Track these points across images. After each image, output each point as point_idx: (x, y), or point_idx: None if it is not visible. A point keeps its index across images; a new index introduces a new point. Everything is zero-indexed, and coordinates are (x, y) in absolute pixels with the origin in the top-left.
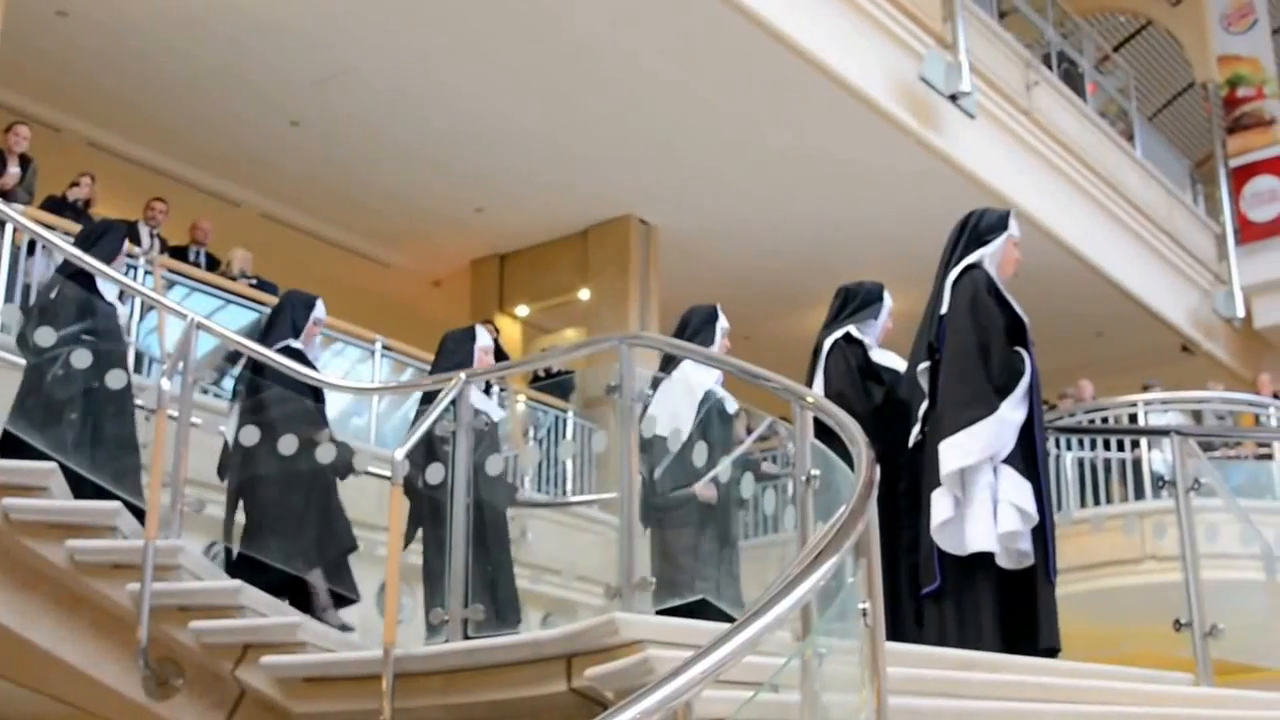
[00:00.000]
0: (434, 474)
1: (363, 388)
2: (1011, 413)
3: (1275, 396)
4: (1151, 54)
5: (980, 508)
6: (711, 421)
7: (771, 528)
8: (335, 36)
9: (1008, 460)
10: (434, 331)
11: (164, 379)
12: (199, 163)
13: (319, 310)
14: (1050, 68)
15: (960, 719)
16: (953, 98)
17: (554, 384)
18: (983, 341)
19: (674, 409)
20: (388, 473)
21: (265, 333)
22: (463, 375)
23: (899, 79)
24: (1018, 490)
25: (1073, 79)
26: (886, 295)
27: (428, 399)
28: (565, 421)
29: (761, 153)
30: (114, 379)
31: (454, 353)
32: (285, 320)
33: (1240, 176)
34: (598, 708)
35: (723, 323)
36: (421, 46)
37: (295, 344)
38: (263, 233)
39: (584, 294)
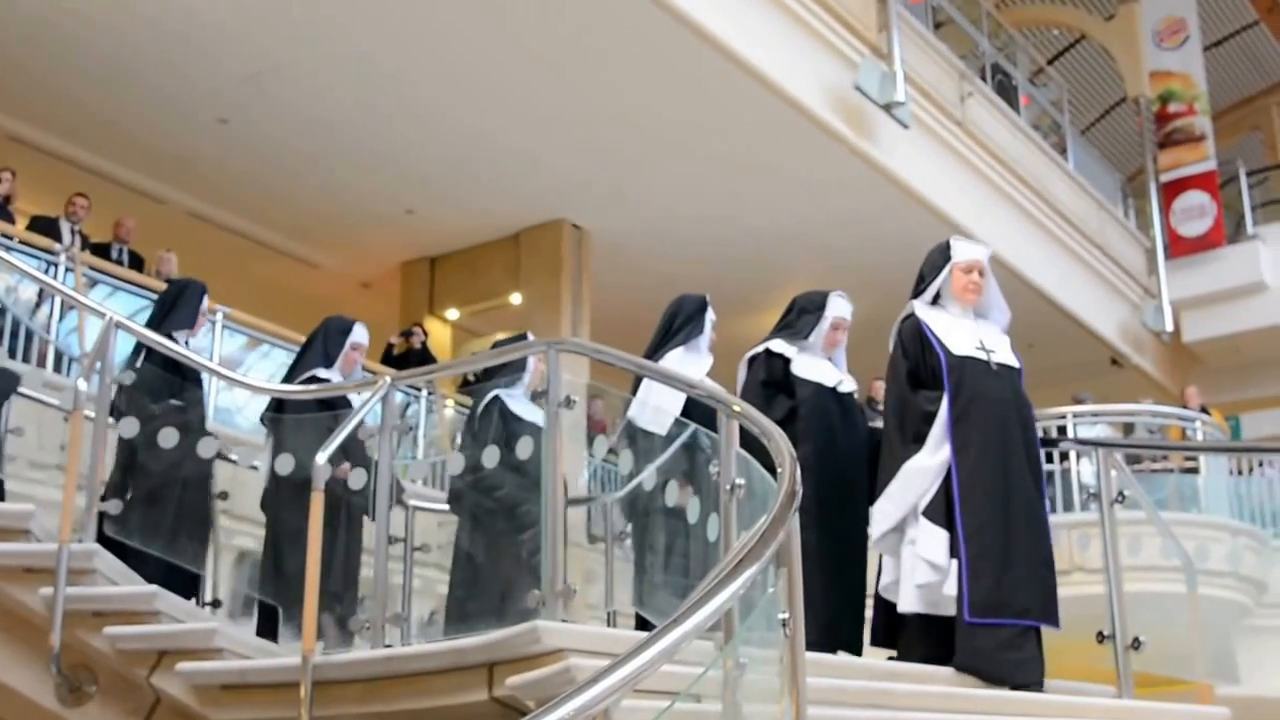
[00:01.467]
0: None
1: (288, 389)
2: (927, 459)
3: (1203, 410)
4: (1085, 68)
5: (907, 566)
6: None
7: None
8: (266, 32)
9: (927, 510)
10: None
11: (81, 380)
12: (124, 159)
13: (357, 334)
14: (985, 80)
15: None
16: (887, 107)
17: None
18: (894, 396)
19: (658, 403)
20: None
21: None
22: (388, 379)
23: (834, 88)
24: (929, 542)
25: (1006, 91)
26: (831, 303)
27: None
28: None
29: (696, 159)
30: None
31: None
32: (317, 348)
33: (1171, 191)
34: (519, 717)
35: (712, 314)
36: (353, 44)
37: (324, 374)
38: (189, 231)
39: (515, 298)
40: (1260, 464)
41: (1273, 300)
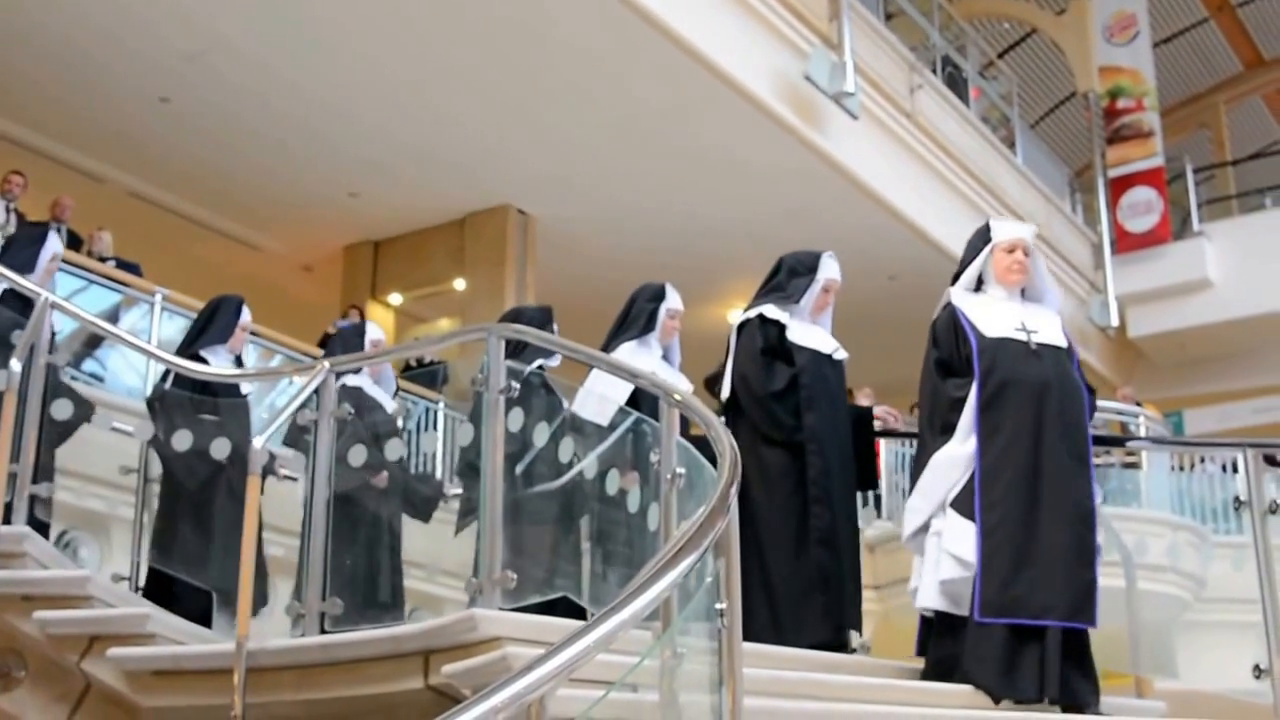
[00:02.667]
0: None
1: (224, 373)
2: (956, 448)
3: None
4: (1035, 62)
5: (931, 559)
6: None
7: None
8: (209, 9)
9: (955, 501)
10: (304, 317)
11: (14, 360)
12: (62, 135)
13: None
14: (935, 72)
15: None
16: (836, 98)
17: (425, 374)
18: (926, 390)
19: (603, 392)
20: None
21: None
22: (326, 364)
23: (784, 77)
24: (955, 535)
25: (956, 84)
26: (824, 265)
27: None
28: (436, 413)
29: (644, 146)
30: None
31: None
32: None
33: (1118, 187)
34: (455, 705)
35: (670, 302)
36: (298, 23)
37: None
38: (128, 211)
39: (459, 284)
40: (1202, 460)
41: (1217, 297)
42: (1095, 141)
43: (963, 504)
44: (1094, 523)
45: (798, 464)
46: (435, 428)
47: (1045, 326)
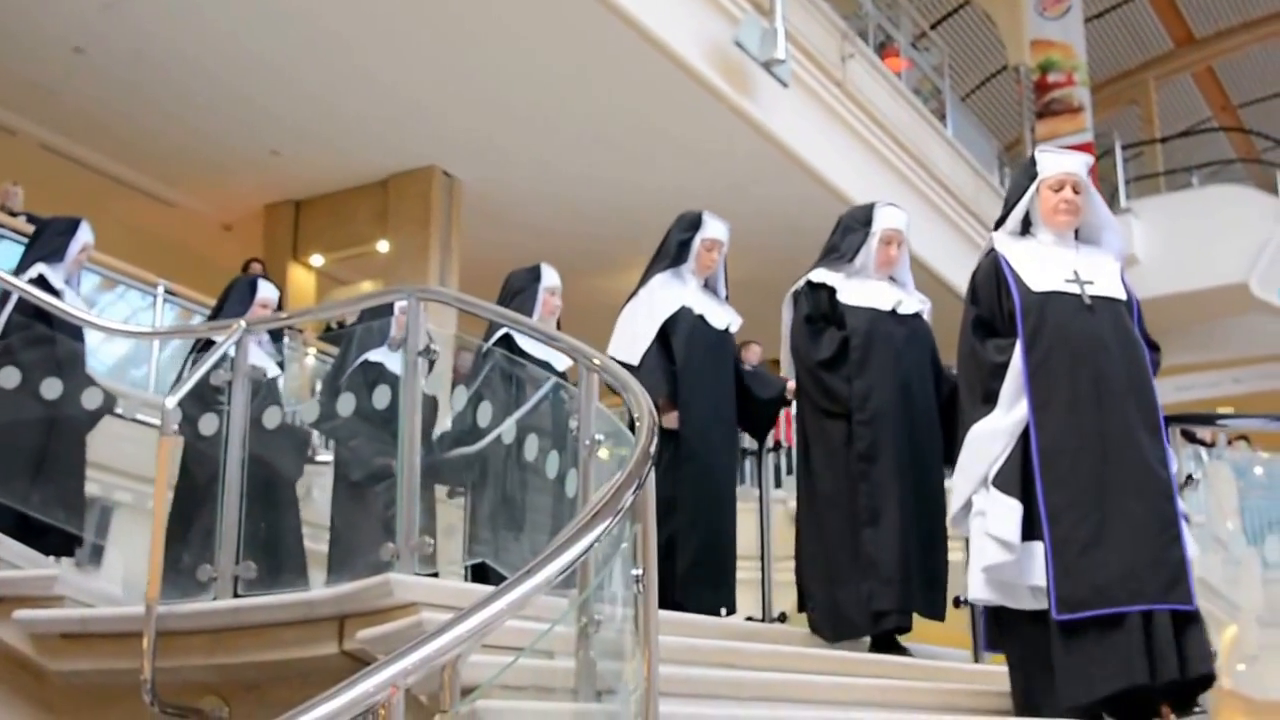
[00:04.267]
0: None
1: (137, 331)
2: (999, 419)
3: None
4: (967, 34)
5: (975, 545)
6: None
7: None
8: None
9: (997, 478)
10: (223, 277)
11: None
12: None
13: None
14: (866, 41)
15: (735, 689)
16: (767, 65)
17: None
18: (962, 352)
19: (634, 333)
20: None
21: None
22: (242, 323)
23: (714, 43)
24: (998, 515)
25: (887, 54)
26: (879, 215)
27: None
28: None
29: (572, 111)
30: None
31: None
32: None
33: None
34: None
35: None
36: None
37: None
38: (41, 165)
39: (382, 245)
40: None
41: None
42: (1025, 115)
43: (1006, 480)
44: (1174, 494)
45: (838, 439)
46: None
47: (1102, 275)
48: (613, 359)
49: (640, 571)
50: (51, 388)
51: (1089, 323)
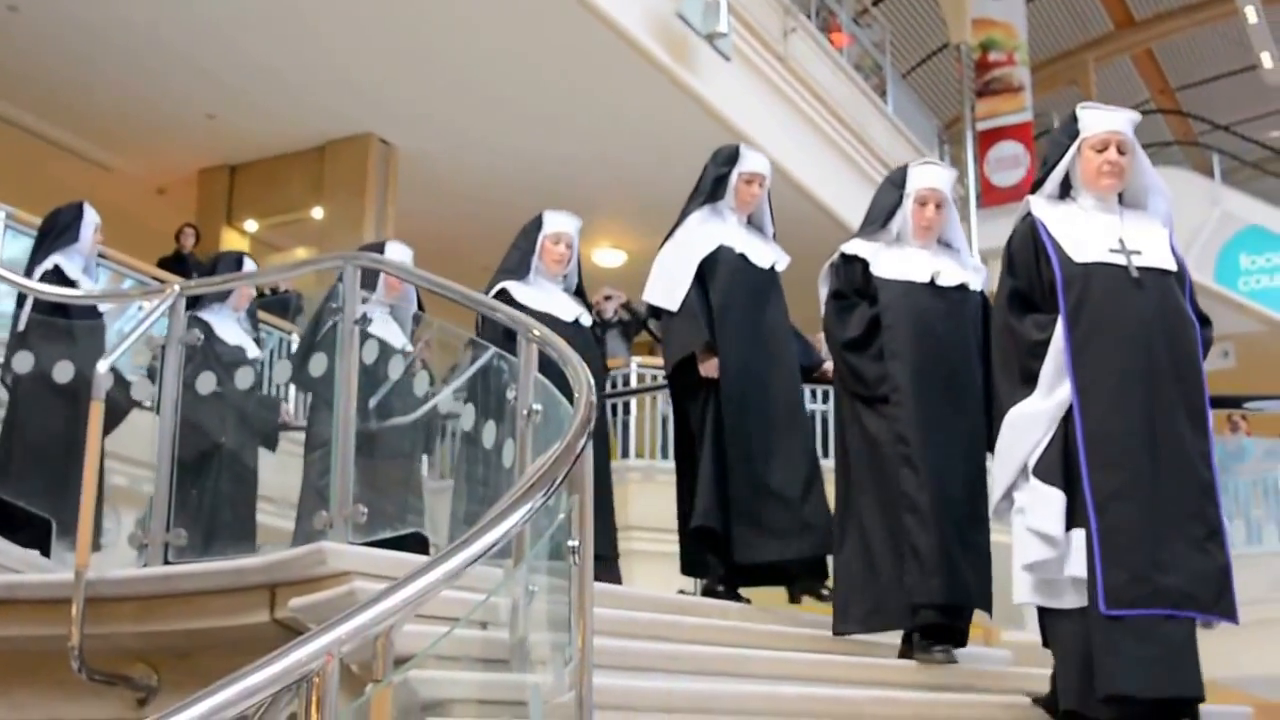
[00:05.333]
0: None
1: (70, 295)
2: (1039, 402)
3: None
4: (909, 11)
5: (1017, 543)
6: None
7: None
8: None
9: (1038, 467)
10: (156, 241)
11: None
12: None
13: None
14: (809, 16)
15: (672, 662)
16: (709, 38)
17: (277, 303)
18: (998, 328)
19: (670, 276)
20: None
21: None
22: (176, 287)
23: (656, 15)
24: (1039, 508)
25: (830, 30)
26: (914, 175)
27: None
28: (289, 344)
29: (511, 82)
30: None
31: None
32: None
33: (986, 140)
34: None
35: (744, 165)
36: None
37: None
38: None
39: (317, 212)
40: None
41: None
42: (965, 94)
43: (1048, 468)
44: (1216, 494)
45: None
46: (288, 357)
47: (1150, 245)
48: (649, 304)
49: (576, 543)
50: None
51: (1136, 298)
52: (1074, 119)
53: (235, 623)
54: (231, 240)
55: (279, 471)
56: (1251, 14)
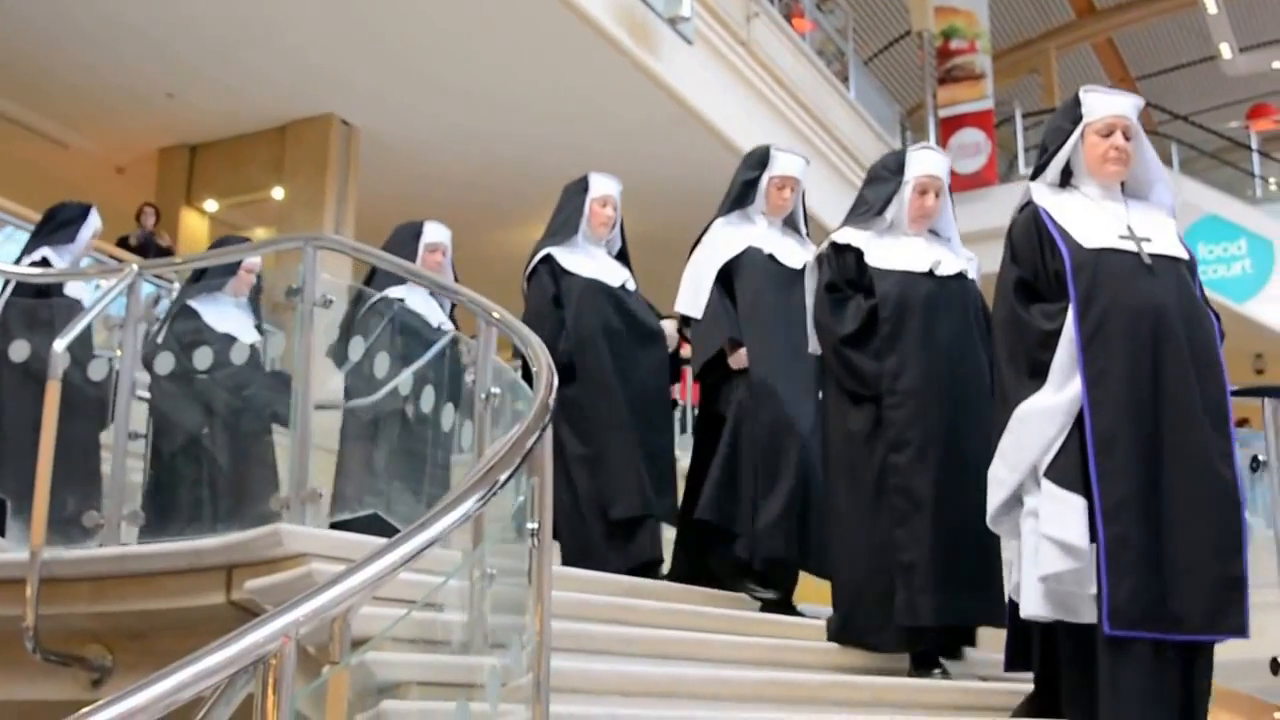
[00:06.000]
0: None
1: (26, 272)
2: (1050, 397)
3: None
4: None
5: (1028, 550)
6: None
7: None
8: None
9: (1051, 469)
10: (115, 220)
11: None
12: None
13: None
14: (772, 1)
15: (627, 645)
16: (672, 21)
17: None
18: (1002, 319)
19: (696, 285)
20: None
21: None
22: (135, 266)
23: None
24: (1057, 514)
25: (792, 15)
26: (913, 161)
27: None
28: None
29: (474, 62)
30: None
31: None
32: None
33: (948, 127)
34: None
35: (775, 169)
36: None
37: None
38: None
39: (278, 193)
40: None
41: None
42: (927, 81)
43: (1063, 472)
44: (1239, 498)
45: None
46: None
47: (1159, 232)
48: (680, 314)
49: (535, 526)
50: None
51: (1149, 285)
52: (1077, 103)
53: (191, 604)
54: (191, 220)
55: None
56: (1211, 4)
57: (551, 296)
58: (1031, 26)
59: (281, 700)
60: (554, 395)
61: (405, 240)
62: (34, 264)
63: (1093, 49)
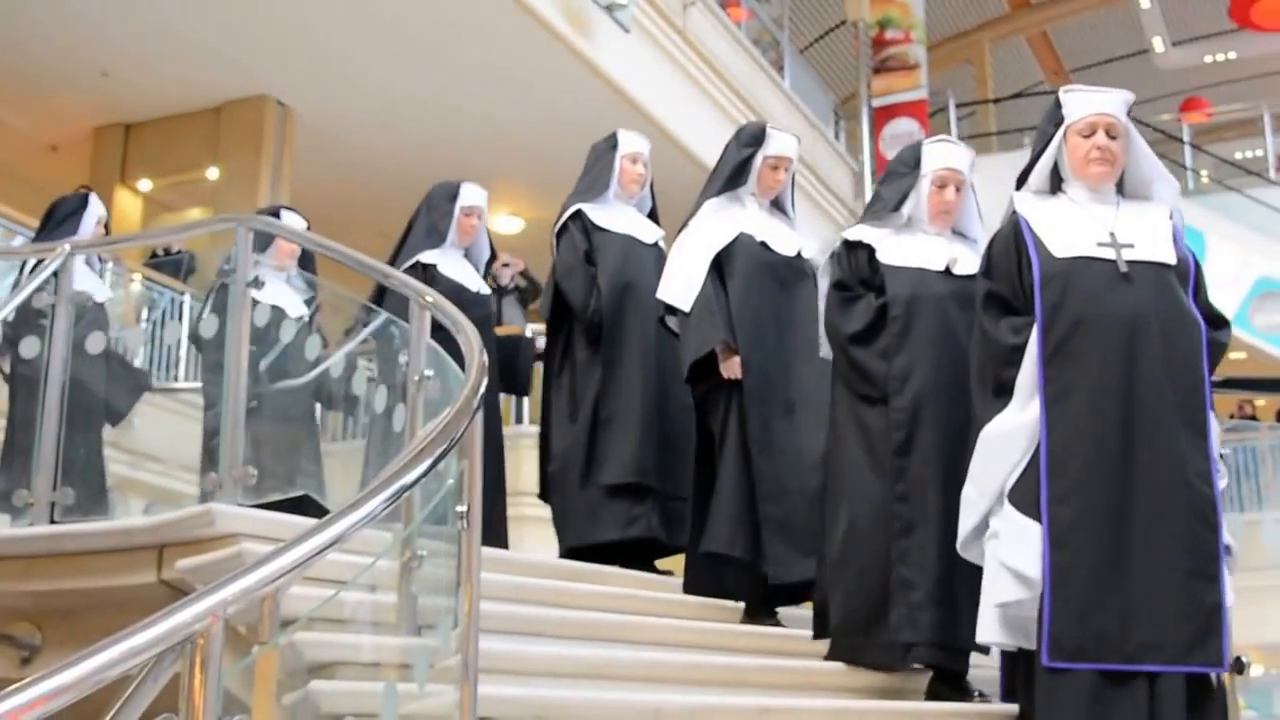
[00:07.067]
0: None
1: None
2: (1015, 416)
3: None
4: None
5: (989, 574)
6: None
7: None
8: None
9: (1013, 492)
10: (49, 199)
11: None
12: None
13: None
14: None
15: (559, 627)
16: (609, 9)
17: (170, 263)
18: (976, 333)
19: (684, 272)
20: None
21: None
22: (67, 245)
23: None
24: (1013, 539)
25: (728, 4)
26: (927, 155)
27: None
28: (182, 304)
29: (410, 45)
30: None
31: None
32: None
33: (882, 117)
34: None
35: (770, 149)
36: None
37: None
38: None
39: (212, 173)
40: None
41: None
42: (862, 71)
43: (1023, 496)
44: (1217, 517)
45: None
46: (180, 318)
47: (1147, 237)
48: (664, 302)
49: (465, 508)
50: None
51: (1125, 295)
52: (1058, 104)
53: (122, 583)
54: (125, 199)
55: (164, 429)
56: None
57: (584, 252)
58: (966, 18)
59: (208, 679)
60: (485, 380)
61: (440, 201)
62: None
63: (1026, 41)
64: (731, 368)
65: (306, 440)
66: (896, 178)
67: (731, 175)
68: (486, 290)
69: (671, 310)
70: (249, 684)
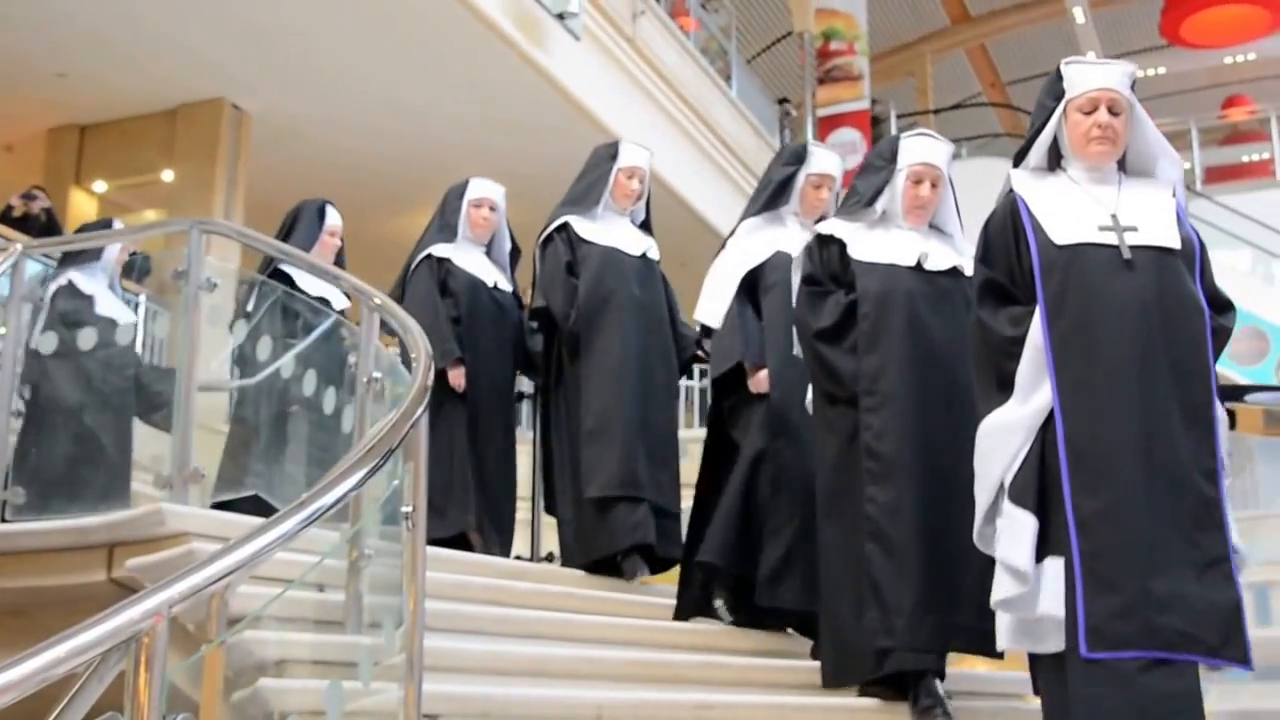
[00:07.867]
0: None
1: None
2: (1015, 409)
3: None
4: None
5: (996, 575)
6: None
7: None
8: None
9: (1011, 489)
10: (2, 199)
11: None
12: None
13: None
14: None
15: (503, 625)
16: (560, 16)
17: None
18: (974, 324)
19: (716, 291)
20: None
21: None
22: (19, 246)
23: None
24: (1009, 536)
25: (677, 14)
26: (905, 148)
27: None
28: (137, 305)
29: (364, 52)
30: None
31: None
32: None
33: (826, 126)
34: None
35: (813, 166)
36: None
37: None
38: None
39: (168, 175)
40: None
41: None
42: (807, 81)
43: (1021, 489)
44: (1224, 515)
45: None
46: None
47: (1150, 219)
48: (699, 323)
49: (410, 509)
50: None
51: (1128, 282)
52: (1059, 77)
53: (73, 581)
54: (79, 200)
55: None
56: (1079, 15)
57: (565, 263)
58: (908, 31)
59: (153, 678)
60: (431, 381)
61: (450, 198)
62: (60, 289)
63: (966, 54)
64: (759, 383)
65: (257, 440)
66: (873, 171)
67: (773, 194)
68: (508, 287)
69: (708, 333)
70: (197, 682)
